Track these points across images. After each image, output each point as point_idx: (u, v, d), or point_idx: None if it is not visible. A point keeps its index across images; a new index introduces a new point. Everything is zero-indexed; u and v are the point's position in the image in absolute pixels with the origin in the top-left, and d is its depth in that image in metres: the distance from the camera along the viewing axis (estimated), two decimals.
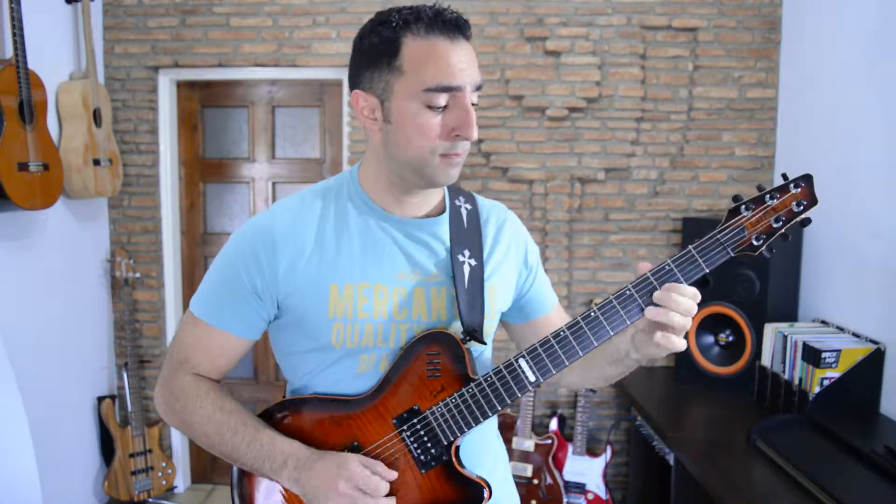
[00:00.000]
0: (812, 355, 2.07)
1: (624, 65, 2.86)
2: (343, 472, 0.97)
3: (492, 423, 1.20)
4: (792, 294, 2.54)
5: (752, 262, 2.40)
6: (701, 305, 2.66)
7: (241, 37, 2.90)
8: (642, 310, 0.95)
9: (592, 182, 2.92)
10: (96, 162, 2.68)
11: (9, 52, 2.26)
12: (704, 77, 2.86)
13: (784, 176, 0.96)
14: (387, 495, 0.99)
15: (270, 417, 1.09)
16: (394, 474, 1.01)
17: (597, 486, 2.80)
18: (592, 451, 2.88)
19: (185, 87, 3.12)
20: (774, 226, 0.95)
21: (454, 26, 0.98)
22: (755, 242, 0.95)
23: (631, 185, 2.92)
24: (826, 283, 2.41)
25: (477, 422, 1.01)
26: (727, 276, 2.44)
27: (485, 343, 1.09)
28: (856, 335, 2.18)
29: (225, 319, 1.06)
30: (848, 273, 2.29)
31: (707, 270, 0.95)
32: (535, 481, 2.78)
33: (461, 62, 0.97)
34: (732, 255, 0.95)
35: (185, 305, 3.20)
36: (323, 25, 2.89)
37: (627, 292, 0.96)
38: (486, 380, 1.01)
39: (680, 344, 0.95)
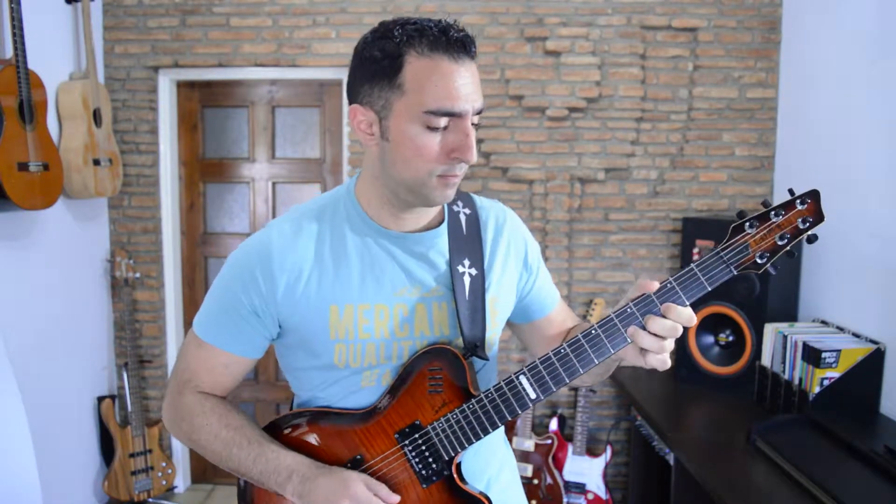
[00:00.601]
0: (812, 355, 2.07)
1: (624, 65, 2.86)
2: (346, 491, 0.98)
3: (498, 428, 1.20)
4: (792, 294, 2.54)
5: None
6: (701, 305, 2.65)
7: (241, 37, 2.90)
8: (643, 327, 0.95)
9: (592, 182, 2.92)
10: (96, 162, 2.68)
11: (9, 52, 2.26)
12: (704, 77, 2.86)
13: (791, 191, 0.94)
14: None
15: (277, 430, 1.10)
16: (396, 498, 1.01)
17: (597, 486, 2.80)
18: (592, 451, 2.88)
19: (185, 87, 3.12)
20: (779, 243, 0.93)
21: (460, 46, 0.94)
22: (759, 260, 0.94)
23: (631, 185, 2.92)
24: (826, 283, 2.41)
25: (478, 437, 1.02)
26: None
27: (487, 359, 1.09)
28: (856, 335, 2.18)
29: (227, 340, 1.06)
30: (848, 273, 2.29)
31: (710, 289, 0.94)
32: (535, 481, 2.78)
33: (465, 86, 0.94)
34: (735, 273, 0.94)
35: (186, 305, 3.22)
36: (323, 25, 2.89)
37: (629, 310, 0.95)
38: (486, 396, 1.01)
39: (660, 364, 0.95)
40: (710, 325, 2.52)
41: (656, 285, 0.95)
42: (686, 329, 0.95)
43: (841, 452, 1.76)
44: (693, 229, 2.63)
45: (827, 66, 2.47)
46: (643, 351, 0.95)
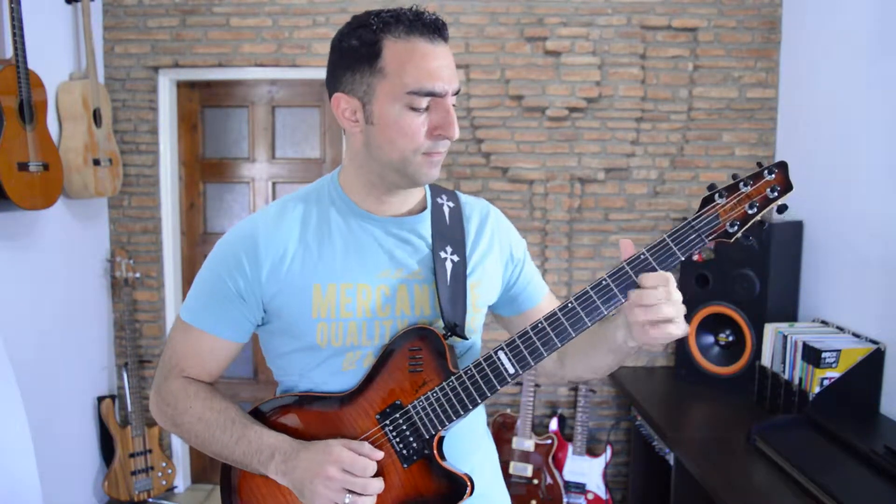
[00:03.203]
0: (812, 355, 2.07)
1: (624, 65, 2.86)
2: (329, 457, 0.98)
3: (479, 421, 1.21)
4: (792, 294, 2.54)
5: (752, 261, 2.40)
6: (701, 305, 2.65)
7: (241, 37, 2.90)
8: (620, 300, 0.95)
9: (592, 182, 2.92)
10: (96, 162, 2.68)
11: (9, 52, 2.26)
12: (704, 77, 2.86)
13: (759, 164, 0.97)
14: (375, 475, 1.00)
15: (260, 416, 1.11)
16: (380, 454, 1.02)
17: (597, 486, 2.80)
18: (592, 451, 2.88)
19: (185, 87, 3.12)
20: (749, 212, 0.95)
21: (433, 28, 0.99)
22: (730, 229, 0.95)
23: (631, 185, 2.92)
24: (826, 283, 2.41)
25: (458, 415, 1.02)
26: (727, 275, 2.44)
27: (467, 338, 1.10)
28: (856, 335, 2.18)
29: (213, 323, 1.08)
30: (848, 273, 2.29)
31: (682, 258, 0.95)
32: (535, 481, 2.78)
33: (442, 67, 0.99)
34: (707, 241, 0.95)
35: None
36: (323, 25, 2.89)
37: (604, 283, 0.96)
38: (465, 373, 1.02)
39: (677, 331, 0.92)
40: (710, 325, 2.52)
41: (632, 248, 0.96)
42: (687, 303, 0.94)
43: (841, 452, 1.76)
44: None
45: (827, 66, 2.47)
46: (649, 327, 0.93)
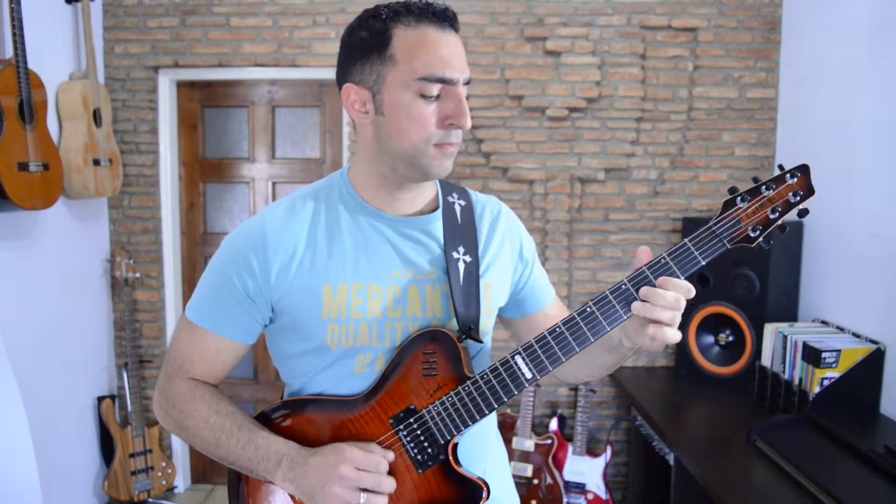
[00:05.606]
0: (812, 355, 2.07)
1: (624, 65, 2.86)
2: (341, 457, 0.97)
3: (490, 423, 1.19)
4: (792, 294, 2.54)
5: (752, 261, 2.40)
6: (701, 305, 2.65)
7: (241, 37, 2.91)
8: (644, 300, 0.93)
9: (592, 182, 2.92)
10: (96, 162, 2.68)
11: (9, 52, 2.26)
12: (704, 77, 2.86)
13: (780, 167, 0.94)
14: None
15: (267, 420, 1.09)
16: (391, 454, 1.01)
17: (597, 486, 2.80)
18: (592, 451, 2.88)
19: (185, 87, 3.12)
20: (771, 217, 0.93)
21: (444, 17, 0.99)
22: (752, 234, 0.93)
23: (631, 185, 2.92)
24: (826, 283, 2.41)
25: (473, 420, 1.01)
26: (727, 275, 2.44)
27: (481, 341, 1.08)
28: (856, 335, 2.18)
29: (220, 324, 1.05)
30: (848, 273, 2.29)
31: (703, 263, 0.93)
32: (535, 481, 2.78)
33: (453, 54, 0.98)
34: (729, 246, 0.93)
35: (185, 306, 3.21)
36: (323, 25, 2.89)
37: (623, 287, 0.94)
38: (482, 377, 1.00)
39: (673, 336, 0.92)
40: (710, 325, 2.52)
41: (648, 252, 0.95)
42: (687, 303, 0.93)
43: (841, 452, 1.76)
44: (693, 229, 2.58)
45: (827, 66, 2.47)
46: (650, 326, 0.92)
